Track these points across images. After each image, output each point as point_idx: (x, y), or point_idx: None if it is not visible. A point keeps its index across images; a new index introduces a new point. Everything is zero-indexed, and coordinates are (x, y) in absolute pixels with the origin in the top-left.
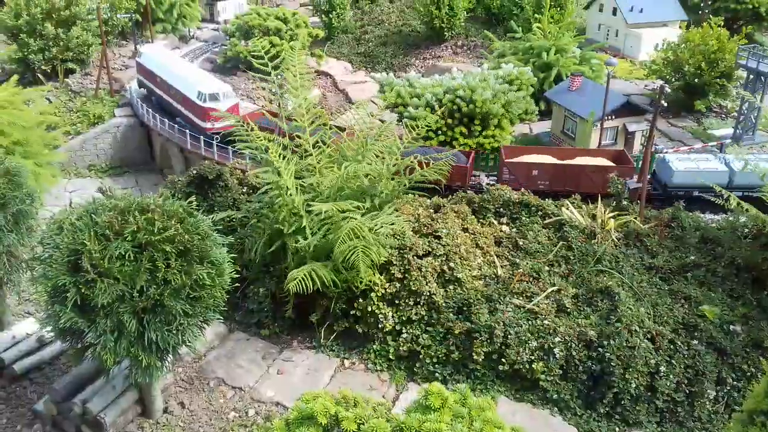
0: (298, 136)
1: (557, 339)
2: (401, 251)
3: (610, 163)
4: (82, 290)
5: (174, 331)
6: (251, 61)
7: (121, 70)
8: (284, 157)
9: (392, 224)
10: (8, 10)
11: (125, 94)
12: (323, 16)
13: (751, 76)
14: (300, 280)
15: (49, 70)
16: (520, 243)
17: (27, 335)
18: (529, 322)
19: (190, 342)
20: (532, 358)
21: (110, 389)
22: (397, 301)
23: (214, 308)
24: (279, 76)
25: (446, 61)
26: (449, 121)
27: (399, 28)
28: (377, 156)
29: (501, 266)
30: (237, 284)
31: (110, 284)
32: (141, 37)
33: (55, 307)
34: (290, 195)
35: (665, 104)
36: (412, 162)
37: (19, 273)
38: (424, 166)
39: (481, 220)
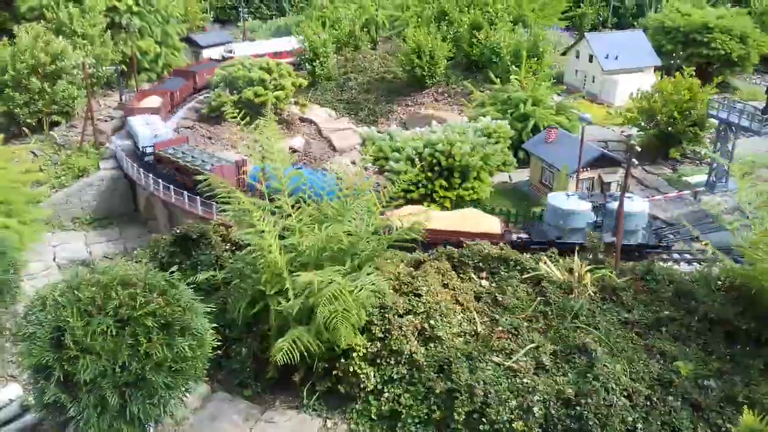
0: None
1: (536, 398)
2: (382, 310)
3: None
4: (66, 367)
5: (156, 404)
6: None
7: (105, 121)
8: (266, 219)
9: (373, 284)
10: None
11: (110, 146)
12: (307, 63)
13: (722, 126)
14: (286, 351)
15: (34, 123)
16: (499, 298)
17: (10, 400)
18: (509, 381)
19: (172, 412)
20: (512, 417)
21: None
22: (378, 361)
23: (196, 379)
24: (257, 142)
25: (428, 108)
26: (429, 174)
27: (381, 75)
28: (357, 214)
29: (481, 323)
30: (220, 343)
31: (93, 360)
32: (126, 87)
33: (40, 384)
34: (273, 257)
35: (636, 162)
36: (390, 221)
37: (3, 341)
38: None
39: (461, 275)
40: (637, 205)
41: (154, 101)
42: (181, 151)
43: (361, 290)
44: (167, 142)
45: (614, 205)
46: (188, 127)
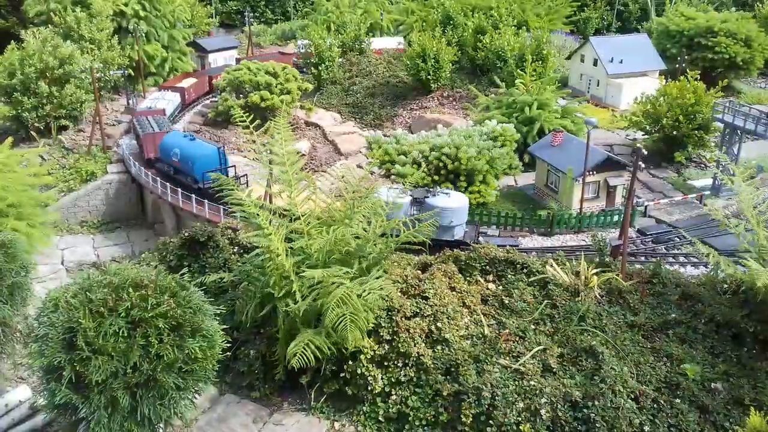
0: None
1: (543, 400)
2: (389, 313)
3: None
4: (77, 368)
5: (166, 405)
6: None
7: (113, 125)
8: (272, 222)
9: (380, 289)
10: (2, 69)
11: (117, 150)
12: (312, 68)
13: (728, 129)
14: (300, 355)
15: (42, 127)
16: (506, 301)
17: (20, 402)
18: (516, 383)
19: (182, 414)
20: (519, 419)
21: None
22: (386, 363)
23: (206, 380)
24: (265, 146)
25: (433, 112)
26: (435, 177)
27: (386, 79)
28: (365, 217)
29: (488, 325)
30: (228, 344)
31: (104, 361)
32: (133, 91)
33: (51, 385)
34: (280, 259)
35: (643, 165)
36: (397, 224)
37: (13, 343)
38: None
39: (467, 278)
40: (454, 201)
41: (187, 82)
42: (146, 119)
43: (369, 293)
44: (144, 112)
45: (433, 200)
46: (195, 131)
